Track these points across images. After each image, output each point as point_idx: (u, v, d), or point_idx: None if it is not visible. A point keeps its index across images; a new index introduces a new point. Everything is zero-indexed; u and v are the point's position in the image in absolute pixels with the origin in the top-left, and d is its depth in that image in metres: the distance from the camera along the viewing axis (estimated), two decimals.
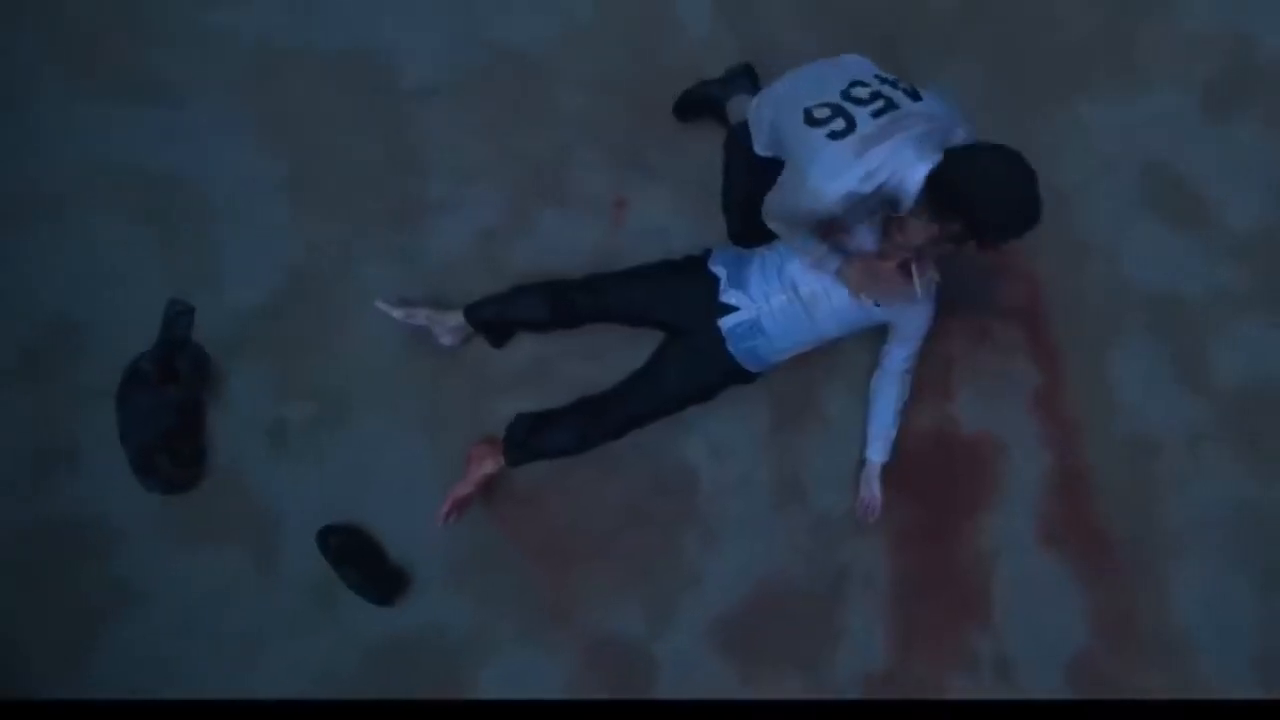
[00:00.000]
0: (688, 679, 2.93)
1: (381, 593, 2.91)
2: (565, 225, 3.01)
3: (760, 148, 2.58)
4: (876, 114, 2.31)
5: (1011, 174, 2.23)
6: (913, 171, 2.26)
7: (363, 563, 2.91)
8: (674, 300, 2.76)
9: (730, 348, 2.73)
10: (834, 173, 2.30)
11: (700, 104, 2.92)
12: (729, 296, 2.70)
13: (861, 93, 2.36)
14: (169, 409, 2.95)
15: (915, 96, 2.36)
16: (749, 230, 2.74)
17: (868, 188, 2.29)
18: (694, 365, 2.77)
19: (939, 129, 2.31)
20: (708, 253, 2.80)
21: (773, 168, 2.55)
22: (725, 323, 2.71)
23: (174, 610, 2.96)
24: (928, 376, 2.95)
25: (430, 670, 2.93)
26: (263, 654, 2.94)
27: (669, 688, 2.92)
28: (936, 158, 2.26)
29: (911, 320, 2.72)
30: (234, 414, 2.99)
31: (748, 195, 2.69)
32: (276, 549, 2.96)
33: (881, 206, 2.40)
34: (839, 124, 2.32)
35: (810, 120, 2.36)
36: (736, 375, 2.78)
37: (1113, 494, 3.00)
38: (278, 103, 3.05)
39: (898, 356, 2.78)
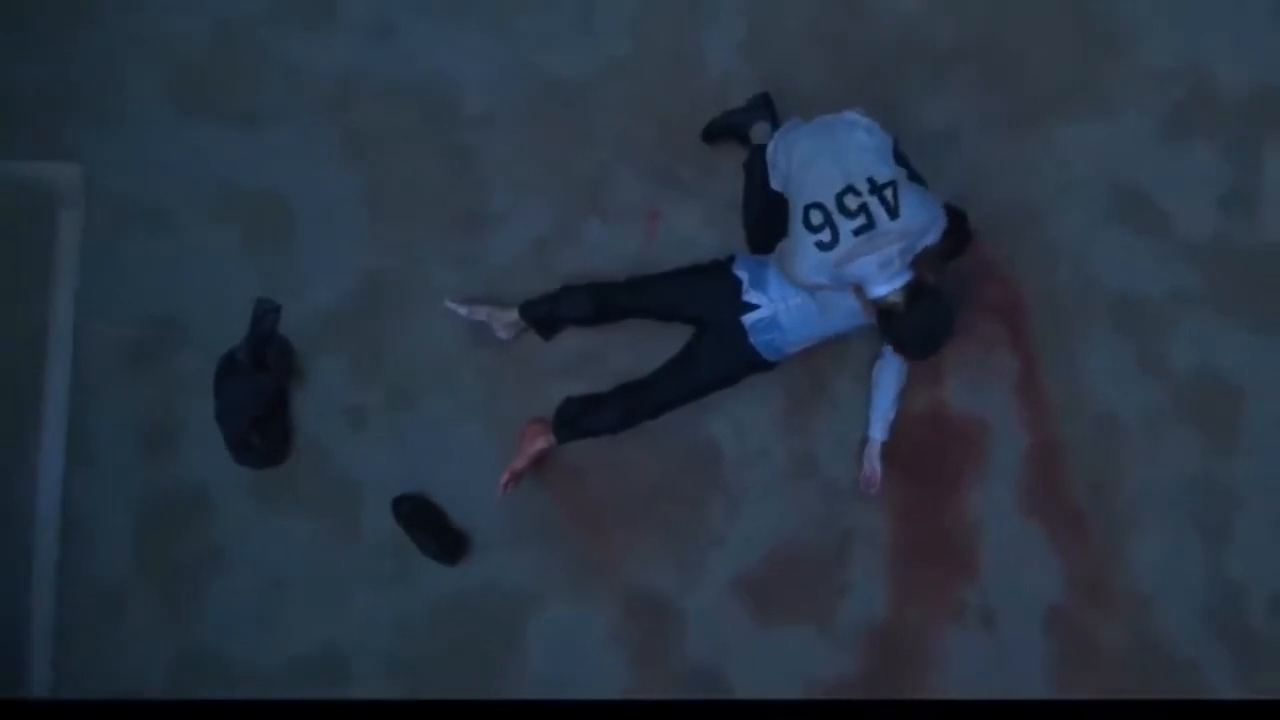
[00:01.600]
0: (713, 627, 3.38)
1: (447, 553, 3.36)
2: (606, 234, 3.47)
3: (774, 184, 3.03)
4: (857, 231, 2.83)
5: (936, 326, 2.92)
6: (876, 287, 2.87)
7: (431, 527, 3.36)
8: (702, 299, 3.21)
9: (751, 340, 3.17)
10: (816, 272, 2.92)
11: (726, 130, 3.37)
12: (751, 296, 3.14)
13: (851, 204, 2.83)
14: (260, 395, 3.39)
15: (894, 212, 2.82)
16: (765, 240, 3.20)
17: (840, 285, 2.93)
18: (720, 355, 3.21)
19: (908, 246, 2.85)
20: (731, 258, 3.24)
21: (783, 199, 3.04)
22: (748, 319, 3.15)
23: (265, 570, 3.41)
24: (922, 366, 3.37)
25: (488, 620, 3.38)
26: (344, 607, 3.39)
27: (697, 635, 3.37)
28: (901, 279, 2.85)
29: None
30: (316, 399, 3.44)
31: (763, 210, 3.16)
32: (355, 516, 3.41)
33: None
34: (826, 235, 2.86)
35: (807, 224, 2.88)
36: (757, 364, 3.22)
37: (1083, 468, 3.45)
38: (355, 126, 3.50)
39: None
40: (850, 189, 2.84)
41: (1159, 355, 3.49)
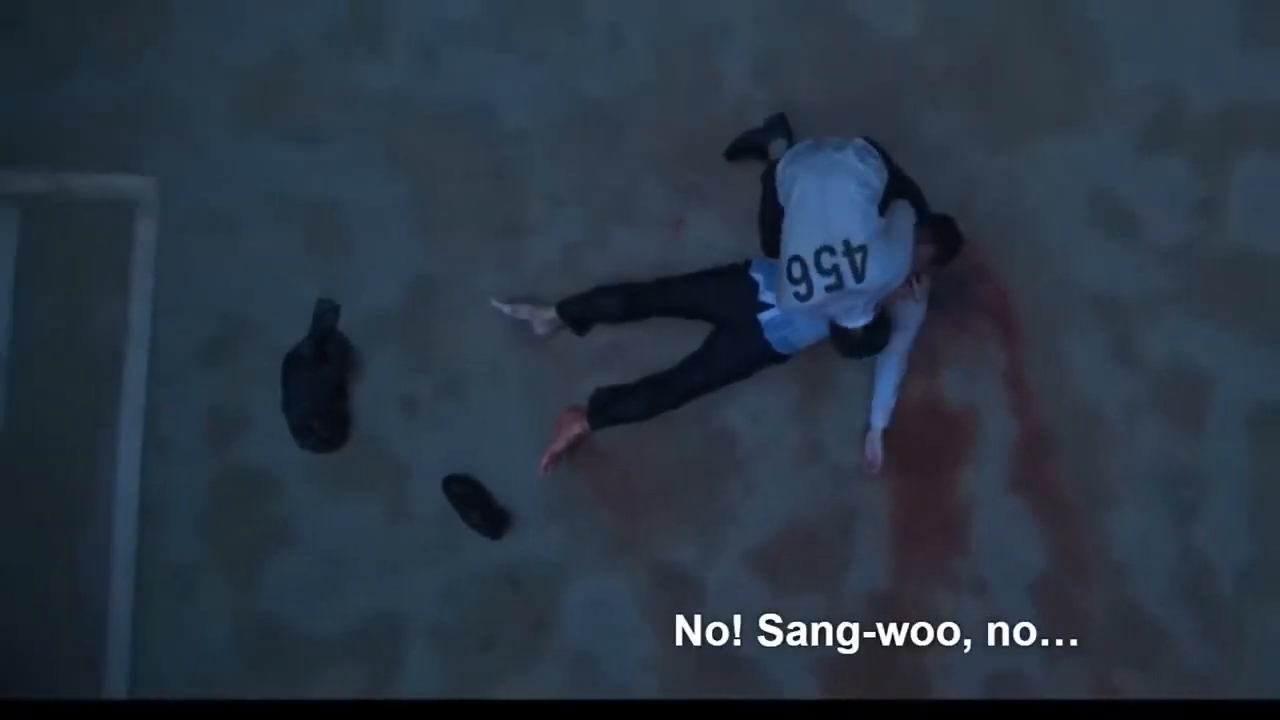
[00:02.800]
0: (730, 595, 3.76)
1: (491, 529, 3.73)
2: (634, 240, 3.85)
3: (780, 196, 3.41)
4: (828, 289, 3.27)
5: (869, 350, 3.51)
6: (844, 322, 3.39)
7: (477, 505, 3.73)
8: (722, 299, 3.58)
9: (766, 336, 3.53)
10: (795, 312, 3.42)
11: (747, 148, 3.75)
12: (766, 297, 3.51)
13: (826, 263, 3.25)
14: (322, 386, 3.76)
15: (860, 276, 3.24)
16: (778, 246, 3.56)
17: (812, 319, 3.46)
18: (737, 350, 3.58)
19: (870, 299, 3.32)
20: (748, 262, 3.61)
21: None
22: (763, 317, 3.51)
23: (325, 545, 3.79)
24: (919, 359, 3.74)
25: (528, 588, 3.75)
26: (397, 578, 3.76)
27: (715, 602, 3.75)
28: (865, 319, 3.37)
29: (909, 315, 3.55)
30: (372, 390, 3.82)
31: (779, 218, 3.51)
32: (408, 495, 3.79)
33: None
34: (803, 289, 3.29)
35: (789, 275, 3.30)
36: (771, 357, 3.58)
37: (1066, 452, 3.82)
38: (405, 142, 3.88)
39: (898, 341, 3.59)
40: (827, 248, 3.25)
41: (1134, 349, 3.85)
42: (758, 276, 3.54)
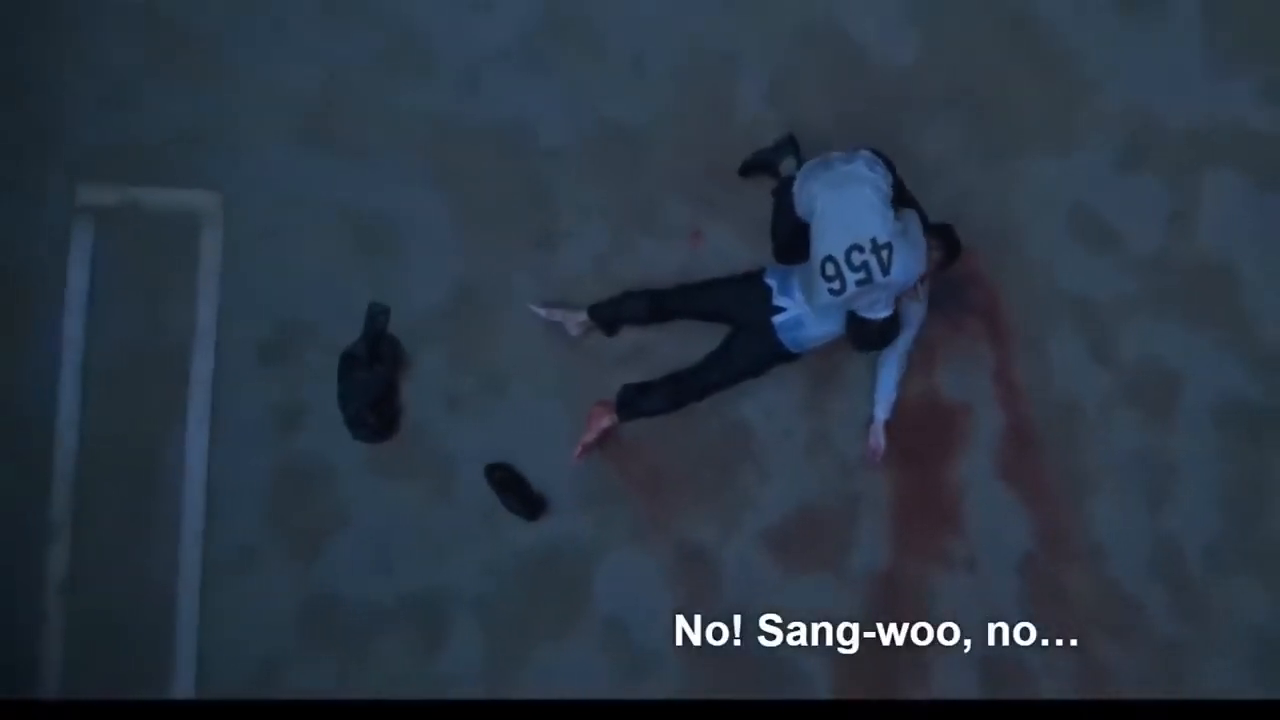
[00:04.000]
0: (745, 573, 4.11)
1: (529, 511, 4.08)
2: (657, 249, 4.20)
3: (798, 210, 3.78)
4: (859, 283, 3.65)
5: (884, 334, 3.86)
6: (868, 314, 3.77)
7: (515, 490, 4.08)
8: (738, 303, 3.94)
9: (779, 337, 3.89)
10: (828, 305, 3.76)
11: (759, 166, 4.11)
12: (779, 301, 3.87)
13: (856, 260, 3.64)
14: (374, 382, 4.12)
15: (886, 269, 3.63)
16: (790, 255, 3.93)
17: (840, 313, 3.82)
18: (752, 349, 3.93)
19: (892, 293, 3.70)
20: (762, 270, 3.97)
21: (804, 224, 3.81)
22: (776, 319, 3.88)
23: (377, 526, 4.12)
24: (917, 358, 4.09)
25: (562, 566, 4.10)
26: (444, 556, 4.11)
27: (733, 578, 4.10)
28: (887, 312, 3.76)
29: (913, 314, 3.90)
30: (421, 385, 4.16)
31: (790, 232, 3.89)
32: (453, 481, 4.14)
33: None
34: (836, 285, 3.68)
35: (823, 273, 3.68)
36: (783, 356, 3.94)
37: (1049, 443, 4.17)
38: (448, 158, 4.22)
39: (899, 340, 3.92)
40: (857, 247, 3.63)
41: (1111, 349, 4.22)
42: (771, 282, 3.90)
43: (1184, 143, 4.28)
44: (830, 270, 3.68)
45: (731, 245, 4.19)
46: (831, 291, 3.69)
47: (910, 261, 3.69)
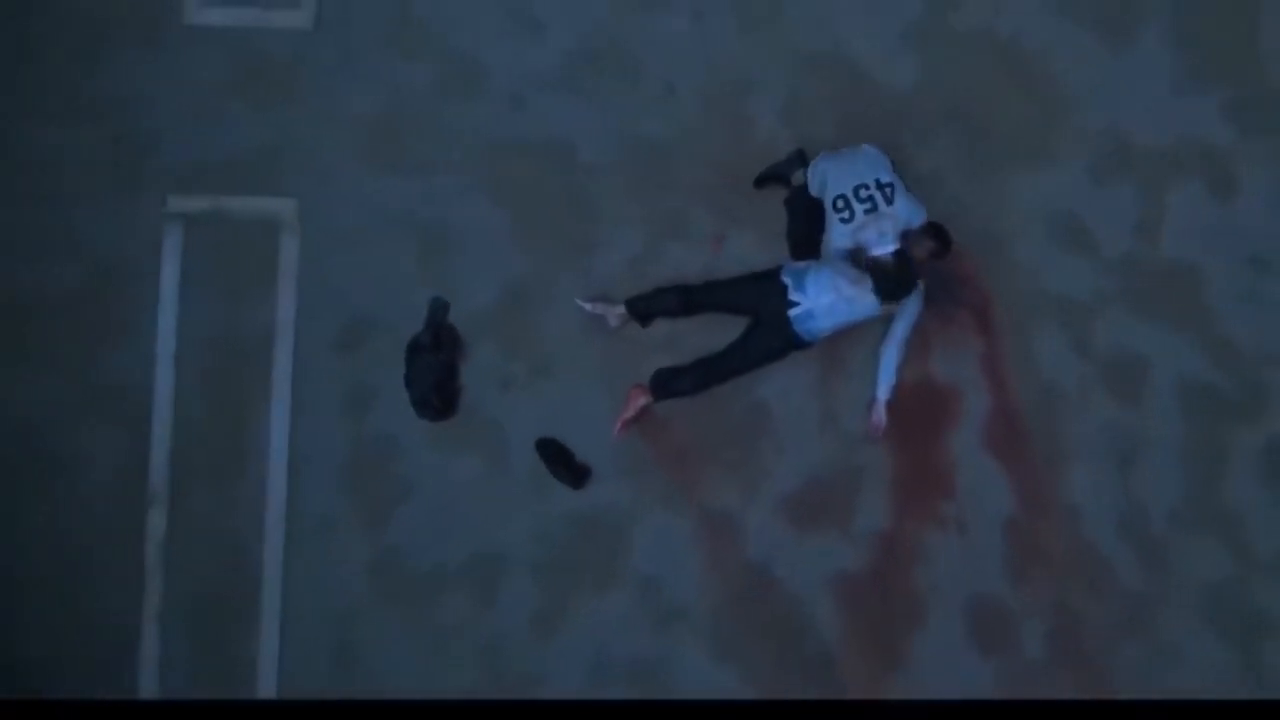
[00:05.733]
0: (764, 535, 4.61)
1: (574, 481, 4.59)
2: (685, 252, 4.71)
3: (812, 190, 4.36)
4: (866, 211, 4.25)
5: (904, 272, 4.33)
6: (875, 249, 4.25)
7: (562, 462, 4.59)
8: (758, 298, 4.45)
9: (794, 328, 4.40)
10: (841, 239, 4.32)
11: (772, 177, 4.62)
12: (794, 296, 4.39)
13: (863, 194, 4.26)
14: (437, 368, 4.62)
15: (890, 201, 4.23)
16: (803, 250, 4.47)
17: (854, 245, 4.30)
18: (770, 338, 4.44)
19: (900, 223, 4.26)
20: (779, 268, 4.48)
21: (816, 209, 4.32)
22: (792, 312, 4.39)
23: (440, 495, 4.63)
24: (915, 346, 4.57)
25: (603, 529, 4.60)
26: (498, 521, 4.61)
27: (753, 538, 4.60)
28: (892, 246, 4.23)
29: (908, 307, 4.41)
30: (477, 370, 4.67)
31: (803, 233, 4.43)
32: (506, 455, 4.64)
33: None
34: (846, 214, 4.28)
35: (835, 209, 4.27)
36: (797, 345, 4.45)
37: (1032, 421, 4.66)
38: (499, 171, 4.73)
39: (898, 330, 4.44)
40: (862, 185, 4.28)
41: (1087, 339, 4.70)
42: (787, 279, 4.42)
43: (1152, 157, 4.75)
44: (840, 204, 4.28)
45: (750, 248, 4.68)
46: (842, 220, 4.29)
47: (910, 202, 4.31)
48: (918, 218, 4.37)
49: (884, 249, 4.30)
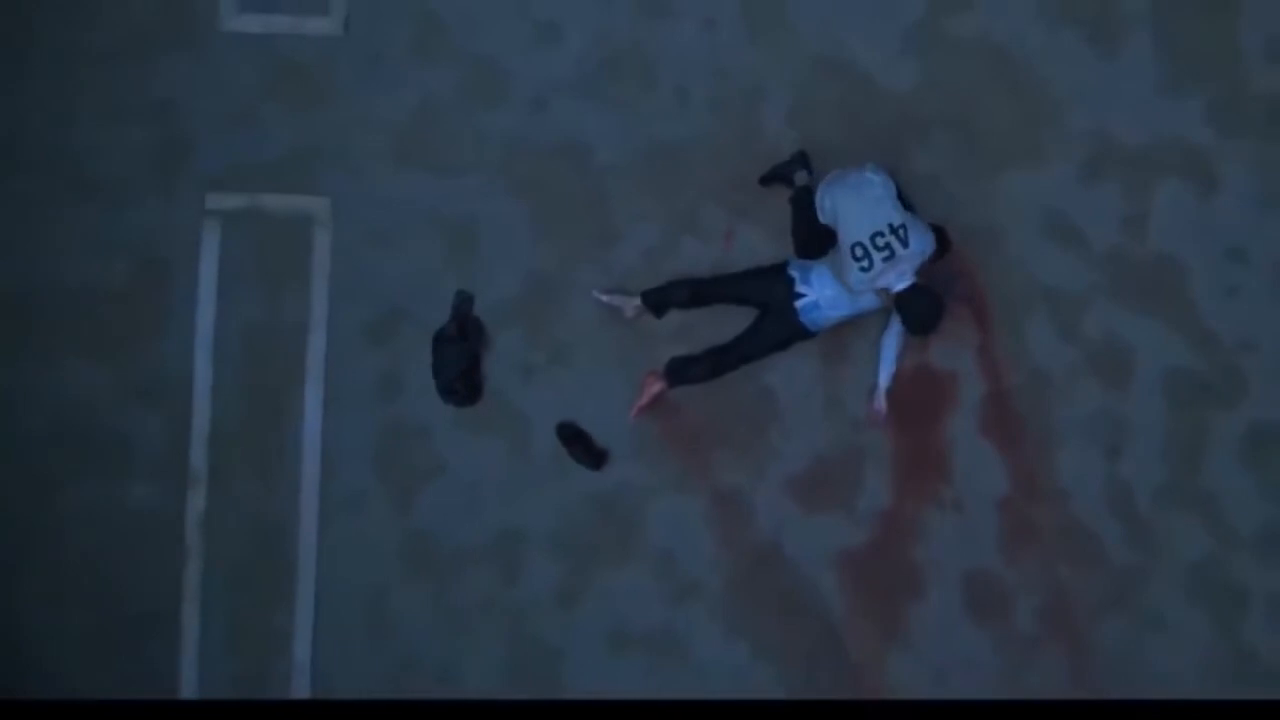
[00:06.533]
0: (772, 513, 4.85)
1: (593, 462, 4.84)
2: (696, 246, 4.93)
3: (822, 219, 4.53)
4: (885, 260, 4.39)
5: (932, 308, 4.47)
6: (896, 285, 4.41)
7: (581, 444, 4.83)
8: (766, 290, 4.68)
9: (800, 319, 4.63)
10: (859, 284, 4.47)
11: (776, 177, 4.85)
12: (800, 288, 4.63)
13: (880, 242, 4.39)
14: (462, 356, 4.86)
15: (906, 244, 4.39)
16: (807, 251, 4.71)
17: (873, 288, 4.45)
18: (777, 328, 4.67)
19: (915, 262, 4.42)
20: (785, 262, 4.72)
21: (825, 229, 4.56)
22: (798, 304, 4.63)
23: (465, 476, 4.88)
24: (914, 336, 4.83)
25: (620, 507, 4.85)
26: (521, 500, 4.85)
27: (763, 518, 4.85)
28: (909, 281, 4.45)
29: None
30: (501, 359, 4.90)
31: (808, 231, 4.68)
32: (528, 438, 4.88)
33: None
34: (866, 264, 4.41)
35: (854, 257, 4.42)
36: (803, 334, 4.68)
37: (1025, 406, 4.89)
38: (520, 171, 4.96)
39: (898, 323, 4.62)
40: (879, 233, 4.39)
41: (1076, 328, 4.90)
42: (794, 273, 4.67)
43: (1137, 157, 4.95)
44: (859, 253, 4.42)
45: (758, 243, 4.91)
46: (862, 269, 4.43)
47: (922, 235, 4.45)
48: (930, 245, 4.49)
49: (903, 284, 4.46)
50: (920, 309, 4.45)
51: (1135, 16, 5.02)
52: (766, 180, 4.89)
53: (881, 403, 4.80)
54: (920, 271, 4.49)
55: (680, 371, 4.76)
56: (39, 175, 4.97)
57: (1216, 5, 5.00)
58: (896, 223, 4.44)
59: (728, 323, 4.77)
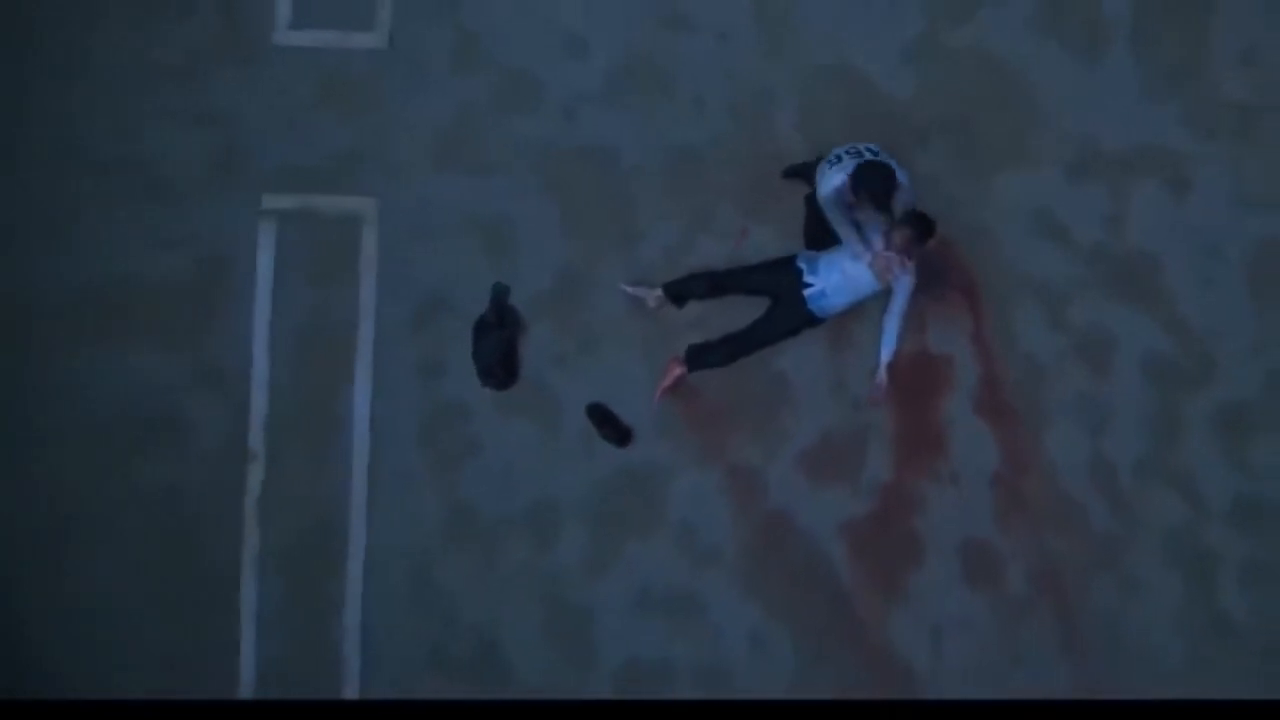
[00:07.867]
0: (784, 487, 5.26)
1: (619, 441, 5.26)
2: (713, 243, 5.34)
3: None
4: (852, 155, 4.86)
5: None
6: (873, 235, 4.89)
7: (609, 424, 5.24)
8: (777, 281, 5.08)
9: (809, 307, 5.05)
10: (829, 195, 4.86)
11: (796, 174, 5.25)
12: (808, 279, 5.04)
13: (853, 150, 4.84)
14: (501, 343, 5.27)
15: (875, 153, 4.81)
16: (816, 242, 5.14)
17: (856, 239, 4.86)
18: (788, 316, 5.07)
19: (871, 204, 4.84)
20: (794, 256, 5.12)
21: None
22: (807, 293, 5.02)
23: (503, 453, 5.28)
24: (912, 322, 5.13)
25: (645, 482, 5.25)
26: (553, 475, 5.26)
27: (775, 491, 5.26)
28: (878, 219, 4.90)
29: (904, 283, 4.98)
30: (535, 345, 5.31)
31: (815, 229, 5.11)
32: (559, 419, 5.29)
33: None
34: (837, 161, 4.81)
35: (829, 163, 4.84)
36: (811, 321, 5.08)
37: (1016, 388, 5.29)
38: (552, 173, 5.37)
39: (896, 302, 4.99)
40: (854, 147, 4.85)
41: (1062, 317, 5.30)
42: (802, 265, 5.06)
43: (1119, 159, 5.34)
44: (833, 159, 4.86)
45: (770, 240, 5.31)
46: (831, 163, 4.85)
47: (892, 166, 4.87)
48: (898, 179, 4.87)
49: (875, 239, 4.92)
50: (874, 178, 4.79)
51: (1117, 30, 5.41)
52: (789, 174, 5.29)
53: (883, 376, 5.10)
54: (900, 245, 4.87)
55: (699, 357, 5.16)
56: (110, 178, 5.38)
57: (1191, 19, 5.40)
58: (873, 147, 4.83)
59: (742, 312, 5.16)
